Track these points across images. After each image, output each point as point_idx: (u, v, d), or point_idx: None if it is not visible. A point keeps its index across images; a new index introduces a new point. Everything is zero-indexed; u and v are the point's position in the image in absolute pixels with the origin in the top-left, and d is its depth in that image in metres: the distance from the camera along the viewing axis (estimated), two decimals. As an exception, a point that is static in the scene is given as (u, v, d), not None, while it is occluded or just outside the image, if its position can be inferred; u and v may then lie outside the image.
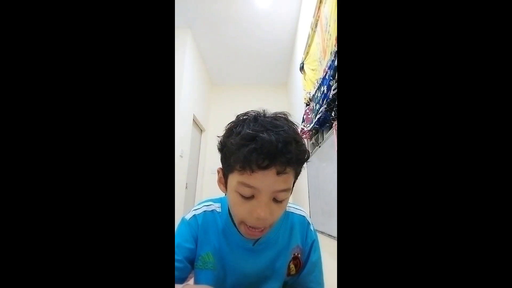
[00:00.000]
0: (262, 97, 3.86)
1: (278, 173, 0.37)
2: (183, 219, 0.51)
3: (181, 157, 2.59)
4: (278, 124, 0.39)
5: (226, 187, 0.44)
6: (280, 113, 0.43)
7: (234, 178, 0.40)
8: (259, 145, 0.36)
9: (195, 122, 3.18)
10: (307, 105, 1.90)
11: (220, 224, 0.50)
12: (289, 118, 0.43)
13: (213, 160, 3.58)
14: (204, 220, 0.50)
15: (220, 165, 0.45)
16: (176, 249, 0.45)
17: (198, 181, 3.38)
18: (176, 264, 0.44)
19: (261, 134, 0.36)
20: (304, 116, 1.93)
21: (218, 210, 0.52)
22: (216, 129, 3.38)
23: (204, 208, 0.51)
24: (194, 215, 0.50)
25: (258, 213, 0.38)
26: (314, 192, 1.74)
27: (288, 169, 0.38)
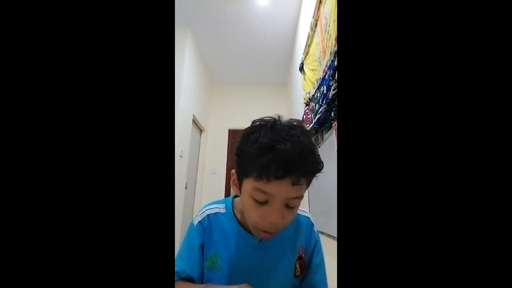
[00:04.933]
0: (262, 97, 3.86)
1: (293, 184, 0.38)
2: (191, 226, 0.52)
3: (181, 157, 2.59)
4: (295, 133, 0.39)
5: (239, 189, 0.45)
6: (295, 120, 0.43)
7: (249, 184, 0.40)
8: (277, 156, 0.36)
9: (195, 122, 3.18)
10: (306, 105, 1.91)
11: (225, 224, 0.51)
12: (303, 126, 0.43)
13: (213, 160, 3.58)
14: (208, 223, 0.51)
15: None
16: (191, 256, 0.49)
17: (197, 181, 3.38)
18: (195, 271, 0.47)
19: (278, 145, 0.37)
20: (304, 116, 1.93)
21: (222, 211, 0.53)
22: (216, 129, 3.35)
23: (208, 212, 0.53)
24: (200, 221, 0.52)
25: (271, 218, 0.40)
26: (314, 192, 1.74)
27: (302, 180, 0.39)
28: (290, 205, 0.41)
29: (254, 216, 0.42)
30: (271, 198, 0.39)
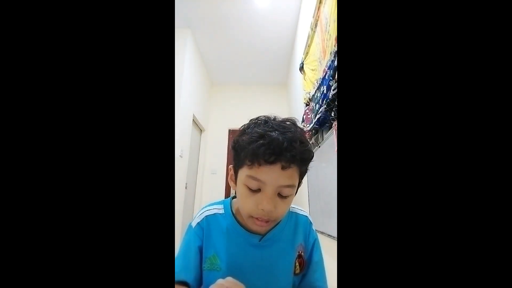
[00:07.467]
0: (262, 97, 3.86)
1: (283, 168, 0.40)
2: (190, 228, 0.52)
3: (181, 157, 2.59)
4: (286, 126, 0.43)
5: (235, 182, 0.47)
6: (289, 118, 0.46)
7: (243, 172, 0.43)
8: (267, 141, 0.40)
9: (195, 122, 3.18)
10: (306, 105, 1.91)
11: (224, 225, 0.51)
12: (297, 123, 0.47)
13: (213, 160, 3.58)
14: (207, 224, 0.52)
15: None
16: (186, 259, 0.49)
17: (197, 181, 3.38)
18: (191, 272, 0.47)
19: (269, 132, 0.41)
20: (304, 116, 1.93)
21: (221, 212, 0.53)
22: (216, 129, 3.34)
23: (206, 213, 0.53)
24: (198, 223, 0.52)
25: (263, 205, 0.42)
26: (314, 192, 1.74)
27: (292, 166, 0.41)
28: (283, 194, 0.43)
29: (248, 204, 0.43)
30: (263, 186, 0.41)
